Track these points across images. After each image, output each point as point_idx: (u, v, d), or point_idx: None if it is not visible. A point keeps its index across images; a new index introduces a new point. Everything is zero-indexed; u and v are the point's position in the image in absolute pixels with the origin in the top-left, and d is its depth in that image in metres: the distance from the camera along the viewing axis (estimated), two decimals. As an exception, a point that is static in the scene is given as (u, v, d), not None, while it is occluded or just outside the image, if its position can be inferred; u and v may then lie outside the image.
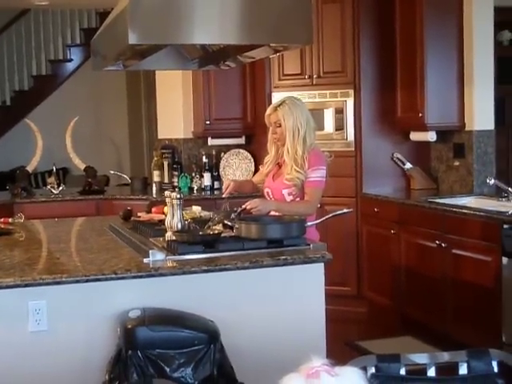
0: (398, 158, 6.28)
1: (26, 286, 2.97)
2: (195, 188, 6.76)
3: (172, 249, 3.33)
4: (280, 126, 4.00)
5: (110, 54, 3.97)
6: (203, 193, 6.69)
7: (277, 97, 5.96)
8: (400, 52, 6.07)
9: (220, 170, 6.96)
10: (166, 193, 3.65)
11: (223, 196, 4.11)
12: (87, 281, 3.02)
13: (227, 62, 4.31)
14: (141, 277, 3.08)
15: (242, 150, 7.04)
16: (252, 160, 6.97)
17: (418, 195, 5.89)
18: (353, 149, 6.19)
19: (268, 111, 4.10)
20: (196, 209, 4.31)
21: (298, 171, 3.93)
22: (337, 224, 5.53)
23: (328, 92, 6.24)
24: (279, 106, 4.03)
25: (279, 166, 4.12)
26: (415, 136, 6.14)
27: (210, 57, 4.25)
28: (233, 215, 3.71)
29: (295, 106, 4.01)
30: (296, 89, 6.29)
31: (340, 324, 5.40)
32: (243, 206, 3.78)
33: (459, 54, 5.82)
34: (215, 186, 6.80)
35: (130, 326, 2.89)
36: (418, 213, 5.45)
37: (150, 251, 3.24)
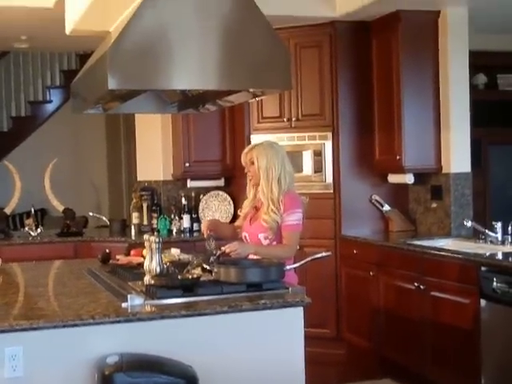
0: (376, 200, 6.31)
1: (3, 331, 2.93)
2: (174, 230, 6.74)
3: (150, 293, 3.30)
4: (253, 163, 4.04)
5: (89, 98, 3.98)
6: (182, 235, 6.67)
7: (256, 139, 6.00)
8: (377, 95, 6.14)
9: (199, 211, 6.96)
10: (145, 236, 3.63)
11: (204, 235, 4.08)
12: (64, 326, 2.99)
13: (206, 106, 4.36)
14: (119, 322, 3.05)
15: (221, 192, 7.05)
16: (231, 202, 6.97)
17: (396, 237, 5.91)
18: (331, 191, 6.22)
19: (245, 150, 4.16)
20: (175, 251, 4.29)
21: (274, 212, 3.95)
22: (316, 266, 5.47)
23: (306, 135, 6.29)
24: (255, 146, 4.11)
25: (256, 209, 4.13)
26: (393, 178, 6.18)
27: (189, 101, 4.29)
28: (212, 259, 3.70)
29: (271, 148, 4.06)
30: (275, 131, 6.34)
31: (319, 366, 5.38)
32: (222, 249, 3.77)
33: (436, 98, 5.89)
34: (194, 228, 6.79)
35: (107, 373, 2.86)
36: (396, 255, 5.47)
37: (129, 296, 3.22)
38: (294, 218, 3.95)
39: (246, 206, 4.20)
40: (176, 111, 4.65)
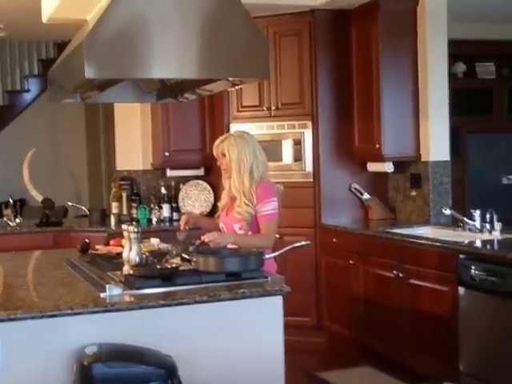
0: (355, 189, 6.32)
1: (-20, 322, 2.91)
2: (154, 220, 6.73)
3: (129, 283, 3.29)
4: (225, 156, 4.04)
5: (67, 87, 3.95)
6: (162, 224, 6.66)
7: (235, 128, 6.00)
8: (357, 83, 6.15)
9: (179, 201, 6.95)
10: (124, 226, 3.63)
11: (181, 229, 4.11)
12: (42, 317, 2.97)
13: (185, 95, 4.34)
14: (97, 312, 3.03)
15: (200, 181, 7.04)
16: (211, 191, 6.96)
17: (375, 225, 5.93)
18: (311, 179, 6.23)
19: (215, 142, 4.16)
20: (154, 241, 4.29)
21: (246, 204, 3.95)
22: (295, 255, 5.49)
23: (286, 123, 6.29)
24: (226, 138, 4.10)
25: (232, 200, 4.12)
26: (372, 167, 6.19)
27: (168, 90, 4.27)
28: (191, 248, 3.70)
29: (241, 139, 4.06)
30: (254, 120, 6.33)
31: (299, 354, 5.39)
32: (201, 239, 3.77)
33: (415, 86, 5.91)
34: (174, 218, 6.78)
35: (86, 363, 2.85)
36: (376, 243, 5.49)
37: (107, 286, 3.21)
38: (269, 207, 3.95)
39: (224, 197, 4.20)
40: (155, 100, 4.63)
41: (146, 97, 4.58)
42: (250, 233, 3.98)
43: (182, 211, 6.79)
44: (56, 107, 8.88)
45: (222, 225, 4.14)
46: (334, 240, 6.00)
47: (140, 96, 4.54)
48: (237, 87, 3.97)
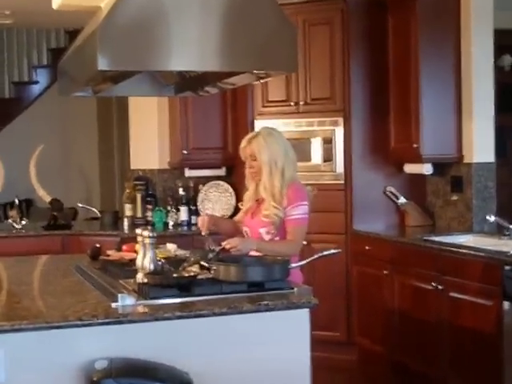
0: (391, 192, 6.30)
1: (-18, 333, 2.94)
2: (171, 223, 6.74)
3: (143, 292, 3.31)
4: (256, 159, 4.02)
5: (78, 79, 3.98)
6: (179, 229, 6.68)
7: (260, 125, 5.97)
8: (393, 78, 6.13)
9: (198, 203, 6.96)
10: (138, 230, 3.64)
11: (203, 233, 4.09)
12: (49, 328, 2.99)
13: (206, 89, 4.35)
14: (108, 324, 3.05)
15: (221, 182, 7.05)
16: (233, 193, 6.97)
17: (412, 232, 5.91)
18: (342, 181, 6.21)
19: (242, 144, 4.13)
20: (171, 247, 4.31)
21: (275, 207, 3.95)
22: (324, 264, 5.49)
23: (316, 120, 6.28)
24: (253, 137, 4.07)
25: (258, 202, 4.12)
26: (410, 168, 6.17)
27: (187, 83, 4.28)
28: (210, 255, 3.70)
29: (271, 137, 4.04)
30: (281, 116, 6.33)
31: (327, 372, 5.39)
32: (222, 245, 3.78)
33: (457, 81, 5.87)
34: (192, 221, 6.78)
35: (95, 379, 2.86)
36: (412, 252, 5.46)
37: (119, 295, 3.22)
38: (299, 211, 3.94)
39: (247, 199, 4.19)
40: (173, 94, 4.64)
41: (164, 90, 4.59)
42: (277, 238, 3.98)
43: (201, 214, 6.80)
44: (66, 101, 8.92)
45: (245, 229, 4.14)
46: (367, 248, 5.98)
47: (157, 89, 4.56)
48: (262, 81, 3.98)
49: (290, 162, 4.03)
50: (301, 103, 6.32)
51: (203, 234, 4.08)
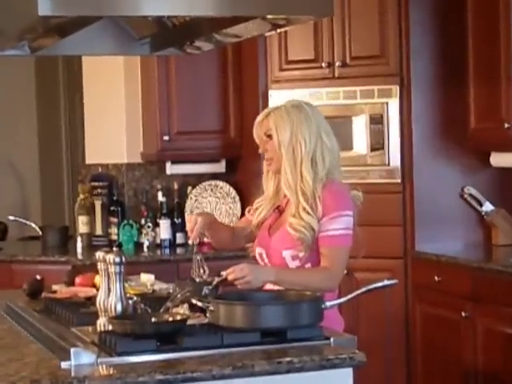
0: (471, 196, 6.30)
1: None
2: (145, 244, 6.78)
3: (107, 346, 3.29)
4: (271, 137, 4.00)
5: (9, 31, 3.98)
6: (159, 251, 6.72)
7: (277, 97, 5.98)
8: (473, 31, 6.12)
9: (186, 214, 6.94)
10: (98, 254, 3.63)
11: (189, 241, 4.08)
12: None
13: (197, 43, 4.35)
14: (57, 392, 3.03)
15: (221, 183, 7.06)
16: (237, 198, 6.98)
17: (503, 255, 5.91)
18: (399, 180, 6.23)
19: (258, 118, 4.10)
20: (147, 279, 4.33)
21: (307, 212, 3.91)
22: (373, 302, 5.52)
23: (359, 89, 6.30)
24: (274, 110, 4.06)
25: (279, 211, 4.11)
26: (499, 160, 6.15)
27: (169, 35, 4.29)
28: (205, 290, 3.69)
29: (297, 112, 4.01)
30: (307, 84, 6.36)
31: None
32: (223, 275, 3.75)
33: None
34: (178, 241, 6.81)
35: None
36: (503, 284, 5.44)
37: (72, 350, 3.19)
38: (341, 225, 3.90)
39: (263, 205, 4.16)
40: (148, 52, 4.67)
41: (135, 46, 4.61)
42: (308, 265, 3.95)
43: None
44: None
45: (260, 250, 4.10)
46: (437, 279, 5.96)
47: (124, 45, 4.57)
48: (279, 30, 3.96)
49: (325, 148, 3.99)
50: (337, 64, 6.32)
51: (190, 242, 4.07)
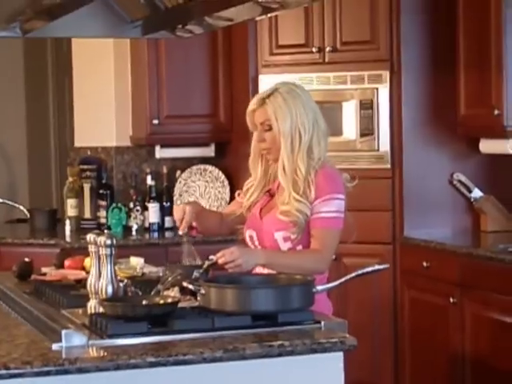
0: (459, 182, 6.32)
1: None
2: (134, 227, 6.79)
3: (98, 328, 3.30)
4: (270, 129, 4.00)
5: (0, 13, 3.97)
6: (148, 235, 6.73)
7: (267, 82, 5.98)
8: (464, 15, 6.13)
9: (175, 198, 6.96)
10: (89, 236, 3.64)
11: (180, 232, 4.09)
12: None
13: (188, 27, 4.35)
14: (48, 373, 3.03)
15: (210, 167, 7.08)
16: (226, 183, 6.99)
17: (492, 241, 5.94)
18: (388, 166, 6.26)
19: (251, 106, 4.10)
20: (136, 262, 4.33)
21: (299, 200, 3.91)
22: (363, 287, 5.52)
23: (349, 74, 6.31)
24: (269, 96, 4.03)
25: (270, 195, 4.12)
26: (488, 146, 6.16)
27: (160, 18, 4.29)
28: (196, 273, 3.70)
29: (295, 97, 4.01)
30: (298, 69, 6.37)
31: None
32: (213, 259, 3.76)
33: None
34: (167, 225, 6.83)
35: None
36: (492, 271, 5.46)
37: (63, 332, 3.20)
38: (332, 207, 3.92)
39: (252, 189, 4.17)
40: (139, 35, 4.68)
41: (125, 29, 4.61)
42: (299, 247, 3.96)
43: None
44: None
45: (250, 233, 4.12)
46: (425, 264, 5.98)
47: (115, 27, 4.58)
48: (270, 14, 3.96)
49: (320, 134, 4.01)
50: (327, 49, 6.34)
51: (181, 232, 4.07)
